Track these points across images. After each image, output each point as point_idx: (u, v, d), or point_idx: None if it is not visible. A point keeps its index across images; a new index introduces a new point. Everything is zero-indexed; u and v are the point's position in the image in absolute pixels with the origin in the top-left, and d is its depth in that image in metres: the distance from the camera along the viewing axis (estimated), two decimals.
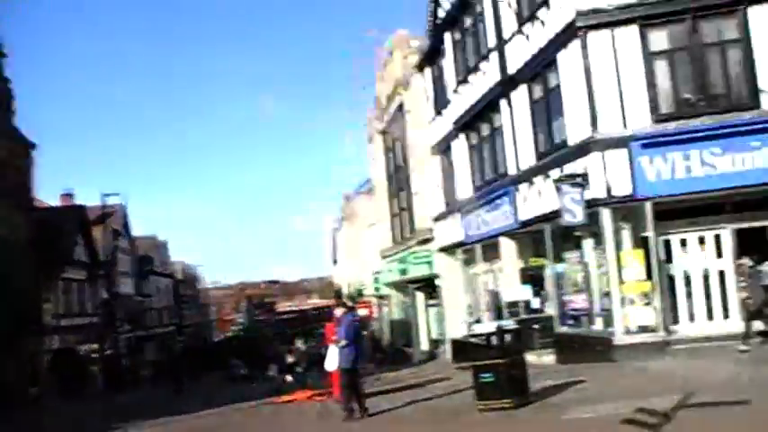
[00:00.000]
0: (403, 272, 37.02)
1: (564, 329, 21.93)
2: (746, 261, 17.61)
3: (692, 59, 18.86)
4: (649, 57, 18.93)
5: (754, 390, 11.95)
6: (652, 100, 18.85)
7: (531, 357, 15.35)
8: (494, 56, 24.75)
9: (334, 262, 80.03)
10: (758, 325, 17.09)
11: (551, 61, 21.01)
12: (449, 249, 31.45)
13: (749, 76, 18.49)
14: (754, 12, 18.48)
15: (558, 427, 11.90)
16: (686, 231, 19.30)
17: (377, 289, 47.13)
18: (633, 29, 18.91)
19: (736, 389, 12.35)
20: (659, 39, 19.14)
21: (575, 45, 19.52)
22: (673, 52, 19.10)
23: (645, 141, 18.50)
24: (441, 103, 31.27)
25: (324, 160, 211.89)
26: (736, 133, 18.08)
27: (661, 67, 19.07)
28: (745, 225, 18.80)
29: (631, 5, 18.87)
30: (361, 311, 37.20)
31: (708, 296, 19.08)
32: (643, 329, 18.37)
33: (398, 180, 39.88)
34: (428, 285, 35.17)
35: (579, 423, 11.90)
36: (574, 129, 20.02)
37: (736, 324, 18.31)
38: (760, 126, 18.04)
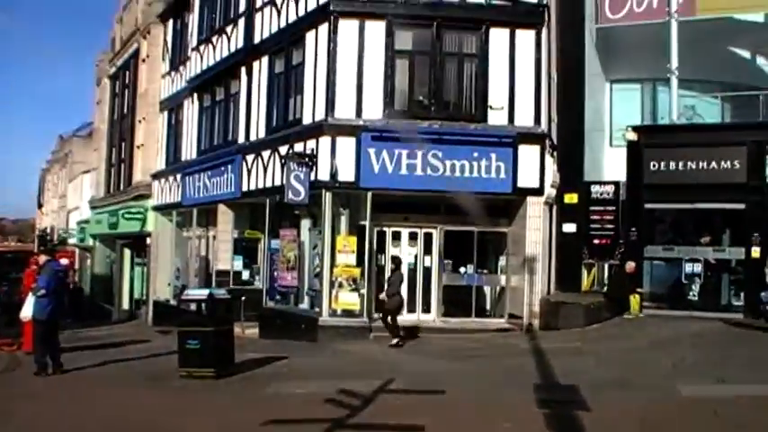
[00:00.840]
0: (113, 226, 35.24)
1: (271, 304, 21.98)
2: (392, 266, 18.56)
3: (432, 65, 19.51)
4: (392, 54, 19.33)
5: (450, 381, 12.51)
6: (388, 95, 19.28)
7: (235, 329, 15.14)
8: (242, 21, 24.07)
9: (39, 206, 74.87)
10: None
11: (299, 38, 20.81)
12: (164, 209, 30.36)
13: (481, 90, 19.48)
14: (495, 33, 19.53)
15: (261, 401, 11.69)
16: (401, 225, 20.12)
17: (82, 240, 44.63)
18: (381, 24, 19.24)
19: (433, 379, 12.90)
20: (404, 39, 19.62)
21: (324, 27, 19.53)
22: (415, 54, 19.68)
23: (375, 134, 18.92)
24: (179, 58, 30.03)
25: (45, 93, 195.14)
26: (461, 142, 19.07)
27: (401, 66, 19.55)
28: (454, 228, 19.92)
29: (383, 1, 19.26)
30: (62, 261, 34.94)
31: (413, 289, 20.03)
32: (348, 313, 18.79)
33: (122, 129, 37.73)
34: (137, 243, 33.74)
35: (282, 398, 11.85)
36: (309, 109, 20.01)
37: (435, 317, 19.71)
38: (483, 139, 19.14)
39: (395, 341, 17.15)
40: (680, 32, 21.94)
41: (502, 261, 20.66)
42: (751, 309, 19.56)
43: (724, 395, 10.64)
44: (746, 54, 25.91)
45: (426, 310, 19.97)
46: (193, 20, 28.38)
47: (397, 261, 18.53)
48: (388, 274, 19.31)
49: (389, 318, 17.54)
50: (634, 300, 20.33)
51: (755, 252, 20.02)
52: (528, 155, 19.28)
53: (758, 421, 9.13)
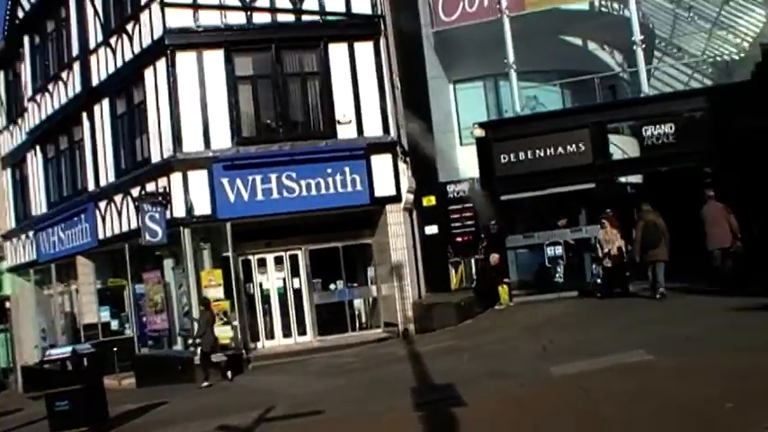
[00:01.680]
0: None
1: (145, 351, 21.66)
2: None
3: (275, 87, 19.75)
4: (234, 81, 19.46)
5: (330, 399, 12.73)
6: (235, 123, 19.38)
7: (110, 382, 14.94)
8: (77, 65, 23.68)
9: None
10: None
11: (138, 77, 20.66)
12: (21, 269, 29.43)
13: (327, 106, 19.88)
14: (334, 48, 19.97)
15: None
16: (265, 251, 20.24)
17: None
18: (220, 53, 19.35)
19: (313, 400, 12.99)
20: (244, 64, 19.81)
21: (162, 63, 19.45)
22: (257, 78, 19.88)
23: (226, 163, 18.97)
24: (15, 110, 29.22)
25: None
26: (313, 160, 19.37)
27: (245, 92, 19.71)
28: (318, 246, 20.21)
29: (219, 30, 19.36)
30: None
31: (285, 314, 20.24)
32: (223, 348, 18.53)
33: None
34: None
35: None
36: (157, 147, 19.88)
37: (312, 338, 19.93)
38: (335, 154, 19.52)
39: (205, 384, 17.16)
40: (513, 27, 22.90)
41: (370, 272, 21.02)
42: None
43: (592, 369, 11.03)
44: (578, 41, 27.36)
45: (302, 332, 20.15)
46: (26, 69, 27.59)
47: (204, 302, 18.17)
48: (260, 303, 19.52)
49: (206, 358, 17.51)
50: (503, 290, 21.05)
51: None
52: (381, 164, 19.78)
53: (623, 389, 9.55)
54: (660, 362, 10.55)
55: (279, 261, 20.34)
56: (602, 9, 26.30)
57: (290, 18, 20.02)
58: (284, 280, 20.31)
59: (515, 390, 10.60)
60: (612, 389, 9.65)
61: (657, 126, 21.33)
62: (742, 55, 30.12)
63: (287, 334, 20.13)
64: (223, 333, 18.56)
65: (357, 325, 20.98)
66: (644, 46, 22.77)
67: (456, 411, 9.83)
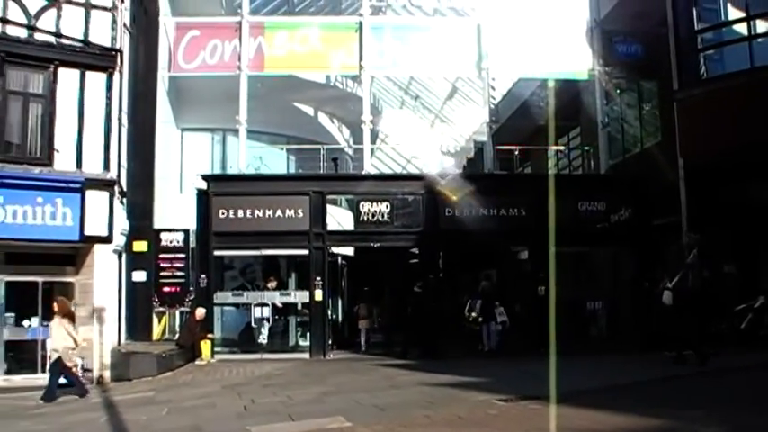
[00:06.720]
0: None
1: None
2: None
3: None
4: None
5: None
6: None
7: None
8: None
9: None
10: None
11: None
12: None
13: (48, 133, 19.60)
14: (64, 73, 19.83)
15: None
16: None
17: None
18: None
19: None
20: None
21: None
22: None
23: None
24: None
25: None
26: (24, 186, 18.99)
27: None
28: (16, 278, 19.71)
29: None
30: None
31: None
32: None
33: None
34: None
35: None
36: None
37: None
38: (48, 183, 19.27)
39: None
40: (250, 86, 24.20)
41: None
42: (316, 348, 22.57)
43: (294, 431, 11.81)
44: (310, 111, 29.25)
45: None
46: None
47: None
48: None
49: None
50: (205, 346, 21.73)
51: (318, 295, 22.79)
52: (96, 202, 19.80)
53: None
54: (356, 429, 11.54)
55: None
56: (337, 84, 28.42)
57: (22, 32, 19.63)
58: None
59: None
60: None
61: (374, 203, 23.40)
62: (457, 149, 33.70)
63: None
64: None
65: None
66: (371, 126, 24.97)
67: None
